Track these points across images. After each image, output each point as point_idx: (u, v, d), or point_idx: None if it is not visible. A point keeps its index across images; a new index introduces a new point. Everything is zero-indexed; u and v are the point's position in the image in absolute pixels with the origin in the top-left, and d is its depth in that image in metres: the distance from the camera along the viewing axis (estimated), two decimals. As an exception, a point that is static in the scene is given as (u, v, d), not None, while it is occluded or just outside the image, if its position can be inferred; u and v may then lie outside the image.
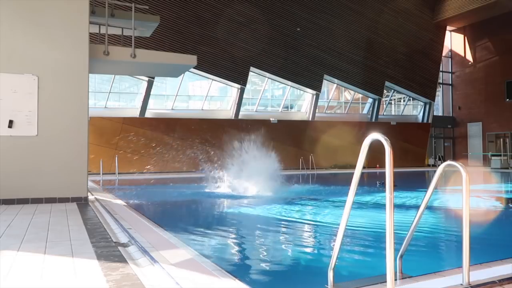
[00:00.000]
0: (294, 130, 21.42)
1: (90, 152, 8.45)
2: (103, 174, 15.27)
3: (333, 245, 2.83)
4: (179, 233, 5.08)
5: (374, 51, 23.47)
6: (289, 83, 21.83)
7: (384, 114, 25.26)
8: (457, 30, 27.23)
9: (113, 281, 2.70)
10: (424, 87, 25.10)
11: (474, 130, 26.35)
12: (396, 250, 2.84)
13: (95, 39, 9.60)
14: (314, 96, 22.29)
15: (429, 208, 7.24)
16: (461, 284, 2.74)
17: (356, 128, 22.11)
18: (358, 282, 2.90)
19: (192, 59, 9.11)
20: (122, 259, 3.24)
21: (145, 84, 18.87)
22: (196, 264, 3.23)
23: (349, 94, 24.80)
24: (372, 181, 13.52)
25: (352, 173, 2.72)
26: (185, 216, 7.82)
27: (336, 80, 22.96)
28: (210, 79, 20.21)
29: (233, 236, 5.98)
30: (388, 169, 2.48)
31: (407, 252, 3.28)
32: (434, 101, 25.88)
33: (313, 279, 3.68)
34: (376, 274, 3.02)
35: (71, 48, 7.27)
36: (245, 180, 10.77)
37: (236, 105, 20.63)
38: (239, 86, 20.39)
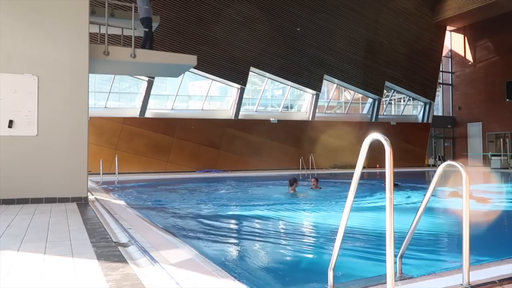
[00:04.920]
0: (294, 130, 21.42)
1: (90, 152, 8.44)
2: (103, 174, 15.25)
3: (333, 245, 2.83)
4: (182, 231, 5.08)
5: (374, 51, 23.46)
6: (289, 83, 21.82)
7: (384, 114, 25.25)
8: (457, 30, 27.22)
9: (113, 281, 2.70)
10: (424, 87, 25.09)
11: (474, 130, 26.35)
12: (396, 250, 2.84)
13: (95, 39, 9.59)
14: (314, 96, 22.29)
15: (429, 208, 7.24)
16: (461, 284, 2.75)
17: (356, 128, 22.11)
18: (358, 282, 2.90)
19: (192, 59, 9.11)
20: (122, 259, 3.24)
21: (145, 84, 18.87)
22: (196, 264, 3.23)
23: (349, 94, 24.79)
24: (375, 181, 13.51)
25: (352, 173, 2.72)
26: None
27: (336, 80, 22.96)
28: (210, 79, 20.20)
29: (234, 236, 5.98)
30: (388, 169, 2.48)
31: (407, 252, 3.28)
32: (434, 101, 25.86)
33: (313, 279, 3.68)
34: (376, 274, 3.02)
35: (71, 48, 7.27)
36: None
37: (236, 105, 20.62)
38: (239, 86, 20.39)
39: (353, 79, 23.01)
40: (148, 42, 9.23)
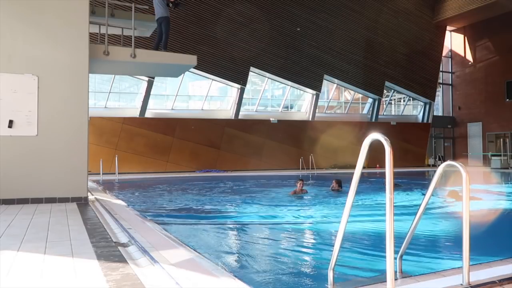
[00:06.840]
0: (294, 130, 21.42)
1: (90, 152, 8.44)
2: (103, 174, 15.27)
3: (333, 245, 2.83)
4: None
5: (374, 51, 23.46)
6: (289, 83, 21.82)
7: (384, 114, 25.25)
8: (457, 30, 27.22)
9: (113, 281, 2.70)
10: (424, 87, 25.09)
11: (474, 130, 26.34)
12: (396, 250, 2.84)
13: (95, 39, 9.59)
14: (314, 96, 22.29)
15: (429, 208, 7.24)
16: (461, 284, 2.75)
17: (356, 128, 22.11)
18: (358, 282, 2.90)
19: (192, 59, 9.11)
20: (122, 259, 3.24)
21: (145, 84, 18.87)
22: (196, 264, 3.23)
23: (349, 94, 24.79)
24: (375, 181, 13.51)
25: (352, 173, 2.72)
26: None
27: (336, 80, 22.96)
28: (210, 79, 20.20)
29: (233, 235, 5.98)
30: (388, 169, 2.48)
31: (407, 252, 3.28)
32: (434, 101, 25.86)
33: (313, 279, 3.68)
34: (376, 274, 3.02)
35: (71, 48, 7.27)
36: None
37: (236, 105, 20.62)
38: (239, 86, 20.39)
39: (353, 79, 23.00)
40: (163, 41, 9.25)
